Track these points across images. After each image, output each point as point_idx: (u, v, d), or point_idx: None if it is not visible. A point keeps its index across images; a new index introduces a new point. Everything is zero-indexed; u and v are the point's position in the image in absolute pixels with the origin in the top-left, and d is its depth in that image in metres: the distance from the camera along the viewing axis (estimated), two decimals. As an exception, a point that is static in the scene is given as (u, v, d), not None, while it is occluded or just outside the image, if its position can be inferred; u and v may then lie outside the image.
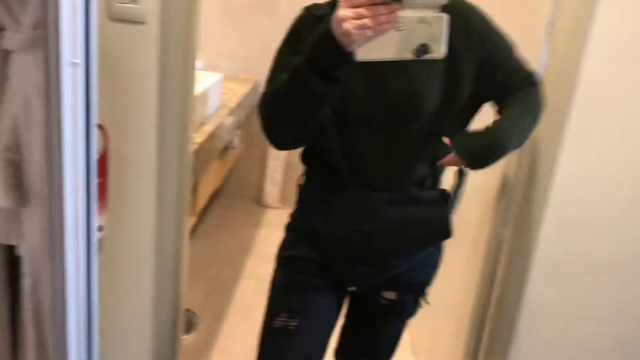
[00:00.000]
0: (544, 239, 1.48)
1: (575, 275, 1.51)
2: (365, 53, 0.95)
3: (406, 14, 0.91)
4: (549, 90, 1.34)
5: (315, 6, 1.24)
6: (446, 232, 1.31)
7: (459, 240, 1.91)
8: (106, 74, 1.37)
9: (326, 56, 0.98)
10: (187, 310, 2.44)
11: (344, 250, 1.29)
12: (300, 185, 1.37)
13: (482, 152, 1.22)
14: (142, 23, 1.35)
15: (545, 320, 1.55)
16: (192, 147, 2.04)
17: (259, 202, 3.74)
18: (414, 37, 0.93)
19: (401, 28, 0.92)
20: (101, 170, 1.42)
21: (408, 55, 0.94)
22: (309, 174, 1.35)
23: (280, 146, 1.24)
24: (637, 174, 1.43)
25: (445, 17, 0.93)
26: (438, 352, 2.07)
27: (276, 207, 3.67)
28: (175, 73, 1.42)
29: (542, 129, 1.38)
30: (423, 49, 0.94)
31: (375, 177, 1.25)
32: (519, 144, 1.27)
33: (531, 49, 1.41)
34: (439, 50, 0.94)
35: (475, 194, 1.84)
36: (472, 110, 1.28)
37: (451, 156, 1.23)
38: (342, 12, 0.92)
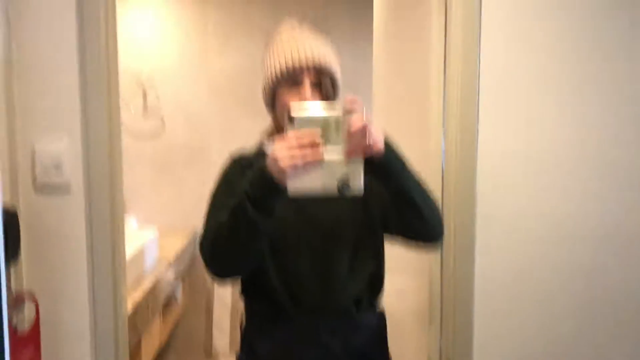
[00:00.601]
0: (477, 335, 1.53)
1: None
2: (296, 188, 1.08)
3: (329, 156, 1.06)
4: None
5: (241, 157, 1.38)
6: None
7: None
8: (35, 243, 1.41)
9: (264, 191, 1.12)
10: None
11: None
12: (242, 324, 1.39)
13: (394, 154, 1.19)
14: (67, 193, 1.41)
15: None
16: (130, 306, 2.03)
17: (209, 353, 3.62)
18: (337, 176, 1.08)
19: (325, 167, 1.07)
20: (33, 340, 1.40)
21: (332, 191, 1.08)
22: (249, 308, 1.37)
23: (222, 275, 1.29)
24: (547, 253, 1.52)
25: (361, 159, 1.08)
26: None
27: (227, 357, 3.56)
28: (104, 237, 1.46)
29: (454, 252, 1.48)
30: (345, 185, 1.08)
31: (313, 300, 1.29)
32: (417, 190, 1.22)
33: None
34: (359, 187, 1.09)
35: (410, 315, 1.89)
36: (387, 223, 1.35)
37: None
38: (277, 152, 1.07)
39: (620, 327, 1.55)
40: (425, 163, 1.56)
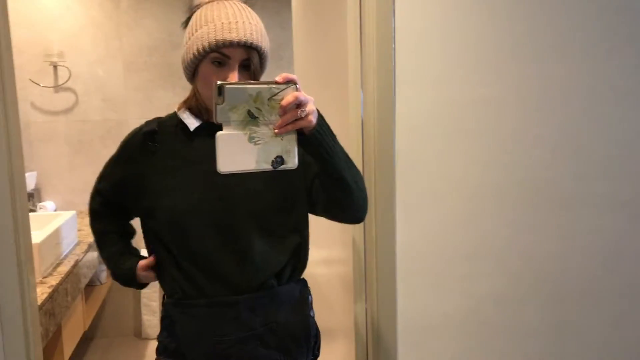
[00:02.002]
0: (401, 306, 1.54)
1: (436, 338, 1.58)
2: (227, 165, 1.01)
3: (262, 130, 1.01)
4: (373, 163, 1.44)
5: (146, 123, 1.33)
6: (307, 337, 1.32)
7: (332, 333, 1.93)
8: None
9: (125, 284, 1.42)
10: None
11: None
12: (163, 305, 1.35)
13: (327, 128, 1.14)
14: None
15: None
16: (45, 292, 1.94)
17: (139, 335, 3.54)
18: (271, 150, 1.02)
19: (259, 142, 1.01)
20: None
21: (267, 167, 1.02)
22: (167, 288, 1.33)
23: None
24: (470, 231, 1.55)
25: (295, 133, 1.03)
26: None
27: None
28: (5, 215, 1.36)
29: (374, 207, 1.48)
30: (279, 160, 1.03)
31: (229, 277, 1.25)
32: (346, 165, 1.19)
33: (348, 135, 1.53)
34: (293, 161, 1.04)
35: (335, 282, 1.89)
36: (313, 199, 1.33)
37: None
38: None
39: (538, 283, 1.59)
40: (344, 133, 1.54)
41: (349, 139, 1.55)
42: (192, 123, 1.27)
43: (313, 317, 1.37)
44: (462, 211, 1.54)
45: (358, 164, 1.53)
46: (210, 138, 1.01)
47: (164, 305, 1.34)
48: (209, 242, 1.24)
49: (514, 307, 1.60)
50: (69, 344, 2.36)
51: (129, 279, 1.39)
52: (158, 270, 1.34)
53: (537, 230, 1.57)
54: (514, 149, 1.53)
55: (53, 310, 2.01)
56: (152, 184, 1.26)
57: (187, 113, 1.29)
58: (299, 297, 1.33)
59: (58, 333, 2.22)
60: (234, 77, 1.18)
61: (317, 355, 1.40)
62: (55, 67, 3.26)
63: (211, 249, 1.24)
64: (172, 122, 1.30)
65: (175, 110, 1.32)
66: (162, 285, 1.34)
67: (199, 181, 1.22)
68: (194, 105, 1.29)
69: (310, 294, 1.38)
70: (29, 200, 3.00)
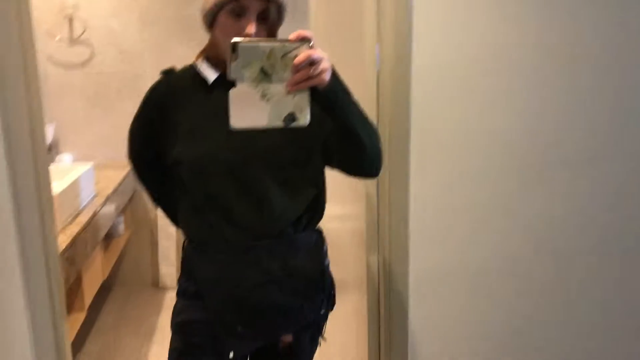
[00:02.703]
0: (413, 257, 1.56)
1: (446, 289, 1.61)
2: (239, 121, 1.03)
3: (275, 87, 1.01)
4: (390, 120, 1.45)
5: (165, 73, 1.35)
6: (323, 283, 1.36)
7: (345, 285, 1.96)
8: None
9: None
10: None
11: (227, 308, 1.30)
12: (183, 249, 1.38)
13: (341, 85, 1.16)
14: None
15: (430, 339, 1.63)
16: (66, 241, 1.99)
17: (156, 285, 3.63)
18: (283, 107, 1.03)
19: (271, 99, 1.02)
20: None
21: (278, 124, 1.04)
22: (187, 233, 1.37)
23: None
24: (480, 184, 1.56)
25: (307, 90, 1.04)
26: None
27: (174, 287, 3.57)
28: (26, 165, 1.39)
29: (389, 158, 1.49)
30: (291, 117, 1.04)
31: (248, 224, 1.28)
32: (360, 122, 1.20)
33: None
34: (305, 119, 1.05)
35: (348, 236, 1.92)
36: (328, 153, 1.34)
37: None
38: None
39: (549, 239, 1.61)
40: (360, 87, 1.53)
41: (364, 93, 1.54)
42: (210, 74, 1.28)
43: (328, 266, 1.41)
44: (476, 165, 1.55)
45: (373, 117, 1.53)
46: (228, 89, 1.03)
47: (184, 249, 1.38)
48: (227, 190, 1.27)
49: (524, 261, 1.61)
50: (89, 291, 2.43)
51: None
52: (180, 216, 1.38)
53: (551, 187, 1.57)
54: (531, 103, 1.52)
55: (73, 258, 2.07)
56: (175, 133, 1.29)
57: (206, 64, 1.30)
58: (315, 245, 1.37)
59: (78, 280, 2.29)
60: (251, 28, 1.18)
61: (332, 307, 1.44)
62: (70, 20, 3.25)
63: (230, 197, 1.27)
64: (191, 72, 1.32)
65: (194, 60, 1.33)
66: (183, 229, 1.38)
67: (218, 131, 1.24)
68: (211, 55, 1.30)
69: (325, 244, 1.40)
70: (48, 152, 3.05)
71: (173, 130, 1.29)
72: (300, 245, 1.33)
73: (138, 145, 1.43)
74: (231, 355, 1.31)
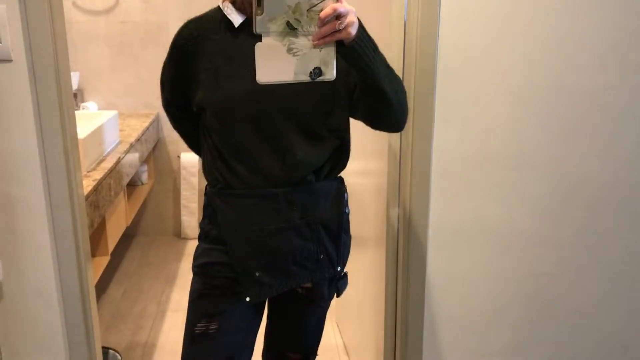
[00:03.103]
0: (433, 211, 1.56)
1: (466, 243, 1.61)
2: (265, 76, 1.03)
3: (301, 41, 1.01)
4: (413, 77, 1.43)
5: (196, 21, 1.32)
6: (339, 231, 1.37)
7: (364, 240, 1.97)
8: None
9: None
10: (111, 350, 2.38)
11: (247, 253, 1.32)
12: (206, 194, 1.40)
13: (367, 39, 1.12)
14: (8, 61, 1.34)
15: (448, 294, 1.64)
16: (90, 185, 2.02)
17: (178, 235, 3.69)
18: (309, 62, 1.03)
19: (297, 54, 1.02)
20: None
21: (304, 78, 1.04)
22: (210, 178, 1.38)
23: None
24: (502, 141, 1.54)
25: (334, 44, 1.03)
26: (366, 349, 2.11)
27: (196, 238, 3.63)
28: (52, 108, 1.41)
29: (412, 114, 1.47)
30: (317, 71, 1.04)
31: (269, 171, 1.29)
32: (387, 77, 1.19)
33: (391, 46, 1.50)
34: (331, 73, 1.05)
35: (371, 191, 1.92)
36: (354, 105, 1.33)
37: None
38: None
39: (573, 194, 1.59)
40: (386, 35, 1.51)
41: (390, 42, 1.52)
42: (236, 19, 1.27)
43: (348, 214, 1.41)
44: (502, 117, 1.52)
45: (398, 66, 1.51)
46: (253, 35, 1.02)
47: (207, 194, 1.40)
48: (250, 136, 1.27)
49: (546, 216, 1.60)
50: (112, 236, 2.48)
51: None
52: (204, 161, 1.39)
53: (578, 141, 1.55)
54: (562, 56, 1.49)
55: (97, 202, 2.11)
56: (200, 78, 1.29)
57: (231, 7, 1.28)
58: (335, 194, 1.37)
59: (102, 225, 2.33)
60: None
61: (343, 267, 1.44)
62: (95, -35, 3.23)
63: (252, 143, 1.27)
64: (217, 16, 1.30)
65: (219, 4, 1.32)
66: (206, 175, 1.39)
67: (242, 77, 1.23)
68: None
69: (346, 192, 1.41)
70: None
71: (199, 74, 1.29)
72: (321, 194, 1.34)
73: (167, 92, 1.43)
74: (247, 299, 1.34)
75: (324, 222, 1.35)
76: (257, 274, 1.32)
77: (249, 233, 1.31)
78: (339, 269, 1.41)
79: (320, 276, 1.38)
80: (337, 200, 1.37)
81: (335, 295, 1.48)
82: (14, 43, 1.34)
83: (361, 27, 1.08)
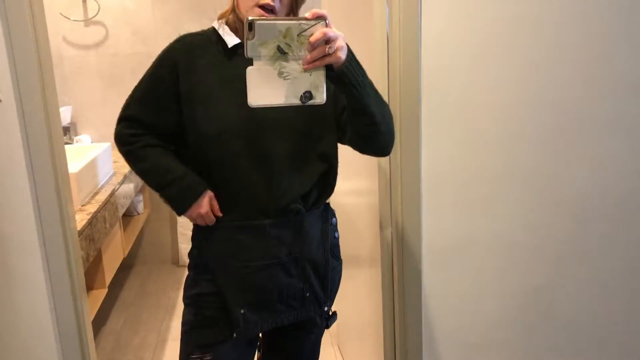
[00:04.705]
0: (425, 229, 1.57)
1: (460, 259, 1.62)
2: (257, 99, 1.05)
3: (291, 65, 1.03)
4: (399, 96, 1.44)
5: (190, 36, 1.34)
6: (327, 268, 1.37)
7: (359, 259, 1.97)
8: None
9: (173, 202, 1.34)
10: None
11: (233, 287, 1.31)
12: (195, 224, 1.40)
13: (356, 64, 1.14)
14: (-3, 102, 1.36)
15: (444, 311, 1.64)
16: (84, 219, 2.03)
17: (176, 262, 3.69)
18: (300, 85, 1.05)
19: (288, 77, 1.04)
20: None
21: (295, 102, 1.06)
22: None
23: None
24: (491, 159, 1.55)
25: (323, 68, 1.05)
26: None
27: (194, 264, 3.62)
28: (42, 144, 1.42)
29: (400, 134, 1.49)
30: (308, 95, 1.06)
31: (256, 196, 1.29)
32: (375, 102, 1.20)
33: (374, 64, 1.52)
34: (322, 97, 1.07)
35: (363, 211, 1.92)
36: (341, 129, 1.34)
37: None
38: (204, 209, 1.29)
39: (562, 206, 1.60)
40: (370, 54, 1.53)
41: (374, 59, 1.54)
42: (230, 40, 1.29)
43: (337, 239, 1.41)
44: (488, 132, 1.54)
45: (383, 88, 1.53)
46: (246, 59, 1.03)
47: (195, 225, 1.40)
48: (239, 159, 1.27)
49: (538, 231, 1.61)
50: (109, 268, 2.48)
51: (196, 186, 1.30)
52: None
53: (564, 154, 1.56)
54: (544, 70, 1.51)
55: (92, 235, 2.11)
56: (189, 96, 1.29)
57: (227, 28, 1.30)
58: (322, 227, 1.37)
59: (99, 258, 2.33)
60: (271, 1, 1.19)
61: (330, 305, 1.43)
62: (84, 0, 3.27)
63: (241, 167, 1.28)
64: (212, 37, 1.32)
65: (214, 24, 1.33)
66: None
67: (234, 99, 1.24)
68: (231, 20, 1.30)
69: (334, 216, 1.41)
70: (65, 134, 3.09)
71: (190, 90, 1.28)
72: (309, 227, 1.34)
73: (138, 108, 1.36)
74: (234, 335, 1.33)
75: (311, 259, 1.35)
76: (242, 311, 1.31)
77: (235, 268, 1.31)
78: (325, 308, 1.40)
79: (305, 315, 1.37)
80: (324, 236, 1.37)
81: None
82: (2, 82, 1.36)
83: (350, 53, 1.10)
